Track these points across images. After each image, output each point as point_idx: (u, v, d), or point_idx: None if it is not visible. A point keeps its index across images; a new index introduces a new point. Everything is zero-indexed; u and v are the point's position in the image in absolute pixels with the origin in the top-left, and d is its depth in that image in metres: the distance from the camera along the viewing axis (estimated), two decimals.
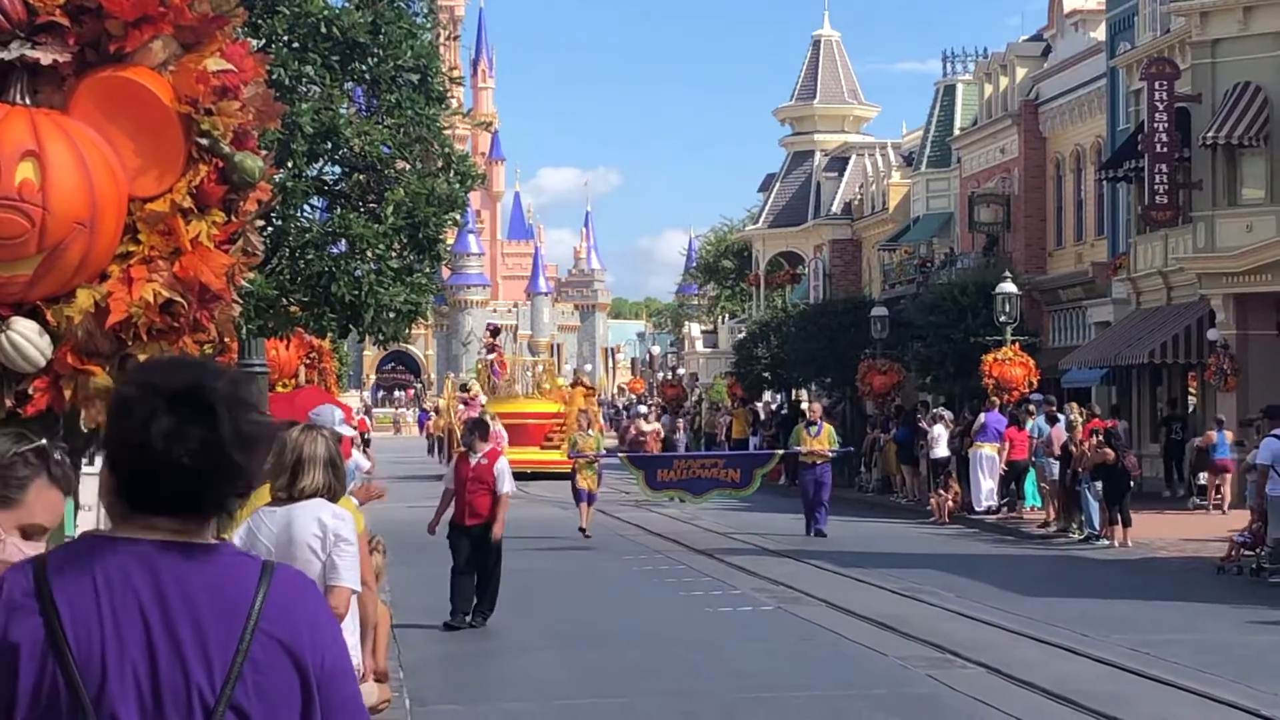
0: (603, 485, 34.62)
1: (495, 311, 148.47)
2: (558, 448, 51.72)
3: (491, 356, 61.70)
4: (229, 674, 3.27)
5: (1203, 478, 36.69)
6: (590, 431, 34.92)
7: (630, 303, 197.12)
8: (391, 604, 16.17)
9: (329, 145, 16.23)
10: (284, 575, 3.40)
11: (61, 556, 3.36)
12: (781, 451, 36.86)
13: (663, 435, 52.67)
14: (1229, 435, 35.41)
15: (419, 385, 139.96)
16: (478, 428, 21.09)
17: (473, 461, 19.93)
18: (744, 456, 38.90)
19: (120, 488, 3.38)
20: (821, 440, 33.57)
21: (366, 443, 31.68)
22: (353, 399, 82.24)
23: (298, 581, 3.44)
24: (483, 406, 51.82)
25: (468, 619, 19.81)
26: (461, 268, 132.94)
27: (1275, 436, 24.85)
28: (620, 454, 38.95)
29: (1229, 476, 35.31)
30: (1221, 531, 28.97)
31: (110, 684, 3.25)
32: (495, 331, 65.12)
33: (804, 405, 65.06)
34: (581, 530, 31.52)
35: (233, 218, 6.06)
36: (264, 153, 6.16)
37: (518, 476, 45.75)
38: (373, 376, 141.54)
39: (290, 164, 15.68)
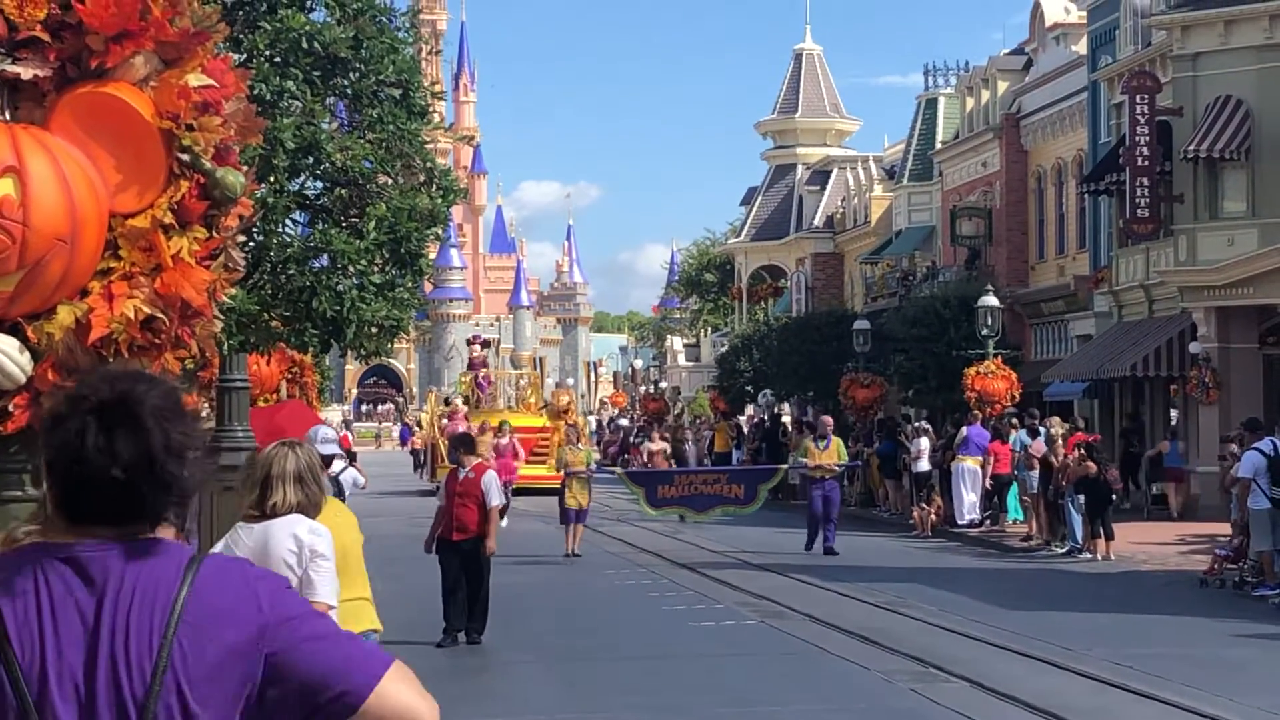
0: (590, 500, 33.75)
1: (477, 325, 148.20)
2: (543, 462, 51.58)
3: (483, 372, 60.96)
4: (155, 669, 3.26)
5: (1156, 487, 38.50)
6: (580, 445, 34.22)
7: (612, 316, 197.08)
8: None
9: (310, 160, 16.19)
10: (211, 563, 3.39)
11: (6, 564, 3.37)
12: (787, 466, 35.88)
13: (670, 453, 51.48)
14: (1181, 445, 38.02)
15: (401, 399, 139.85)
16: (463, 443, 20.95)
17: (460, 475, 19.82)
18: (748, 471, 37.72)
19: (58, 500, 3.39)
20: (830, 454, 32.81)
21: (353, 457, 31.56)
22: (334, 413, 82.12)
23: (226, 566, 3.41)
24: (467, 420, 51.63)
25: (461, 637, 19.75)
26: (444, 282, 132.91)
27: (1256, 450, 24.89)
28: (618, 470, 38.12)
29: (1177, 485, 37.79)
30: (1170, 537, 30.76)
31: (50, 688, 3.27)
32: (485, 344, 64.34)
33: (785, 419, 65.21)
34: (568, 555, 30.86)
35: (214, 233, 6.03)
36: (245, 168, 6.14)
37: None
38: (354, 391, 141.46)
39: (272, 179, 15.64)
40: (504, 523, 37.03)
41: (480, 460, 20.64)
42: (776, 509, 32.02)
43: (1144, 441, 41.28)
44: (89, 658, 3.28)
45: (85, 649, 3.29)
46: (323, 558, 8.20)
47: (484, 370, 60.35)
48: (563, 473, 32.24)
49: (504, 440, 41.00)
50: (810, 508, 32.55)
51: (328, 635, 3.38)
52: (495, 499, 19.69)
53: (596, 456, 47.04)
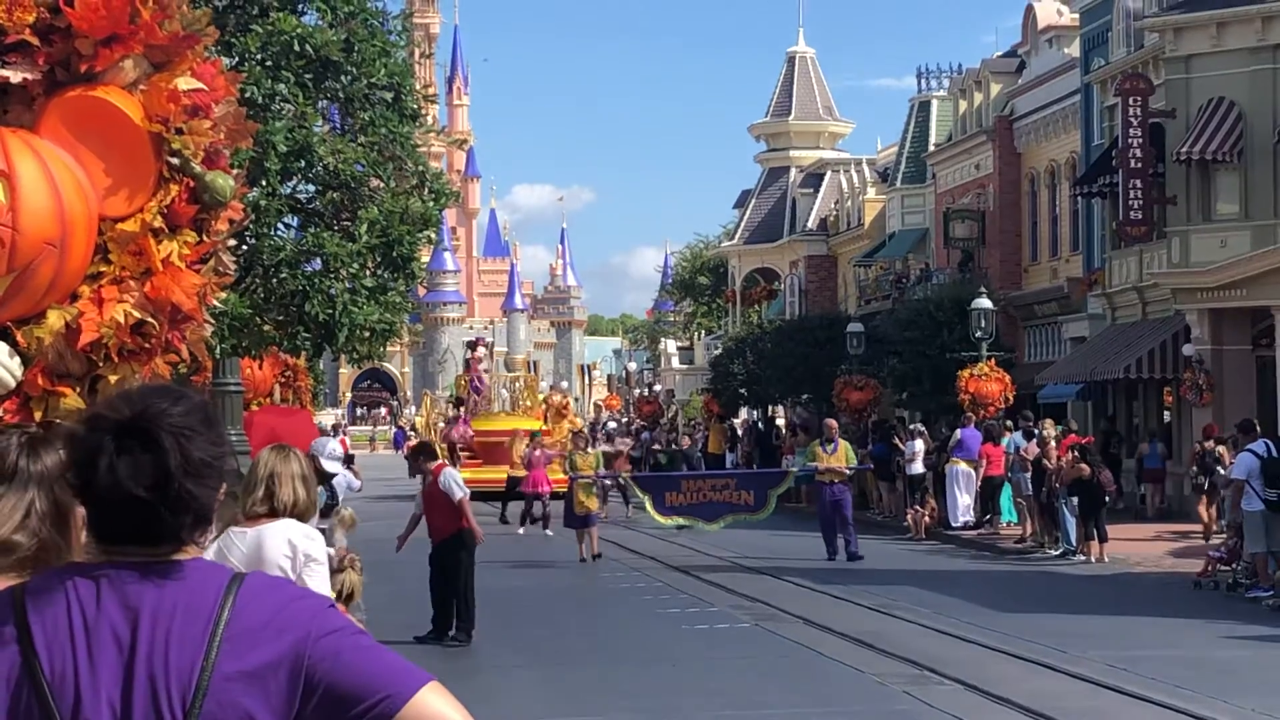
0: (599, 504, 33.28)
1: (471, 329, 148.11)
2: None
3: (481, 371, 60.14)
4: (197, 688, 3.25)
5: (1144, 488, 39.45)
6: (589, 451, 33.90)
7: (606, 319, 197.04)
8: (368, 623, 16.10)
9: (302, 164, 16.20)
10: (253, 582, 3.38)
11: (38, 585, 3.37)
12: (796, 470, 34.83)
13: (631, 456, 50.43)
14: (1160, 446, 39.32)
15: (395, 403, 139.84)
16: (422, 451, 21.31)
17: (426, 483, 20.23)
18: (757, 476, 36.57)
19: (88, 520, 3.39)
20: (839, 457, 32.15)
21: (349, 460, 31.50)
22: (327, 418, 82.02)
23: (267, 585, 3.41)
24: (467, 425, 51.52)
25: (450, 636, 20.11)
26: (437, 285, 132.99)
27: (1250, 451, 24.90)
28: (624, 475, 37.37)
29: (1155, 486, 39.01)
30: (1149, 534, 31.74)
31: (84, 709, 3.25)
32: (481, 345, 63.62)
33: (779, 421, 65.19)
34: (583, 560, 30.65)
35: (204, 237, 6.01)
36: (236, 171, 6.12)
37: (498, 496, 45.40)
38: (348, 394, 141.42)
39: (264, 182, 15.63)
40: (549, 532, 36.94)
41: (438, 462, 20.84)
42: (784, 514, 31.65)
43: (1124, 444, 41.34)
44: (126, 677, 3.27)
45: (121, 668, 3.27)
46: (316, 561, 8.21)
47: (480, 371, 59.87)
48: (572, 480, 31.96)
49: (536, 452, 40.09)
50: (820, 514, 32.10)
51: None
52: (458, 492, 19.88)
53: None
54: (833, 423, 34.45)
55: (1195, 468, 33.37)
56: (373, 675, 3.31)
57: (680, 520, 32.29)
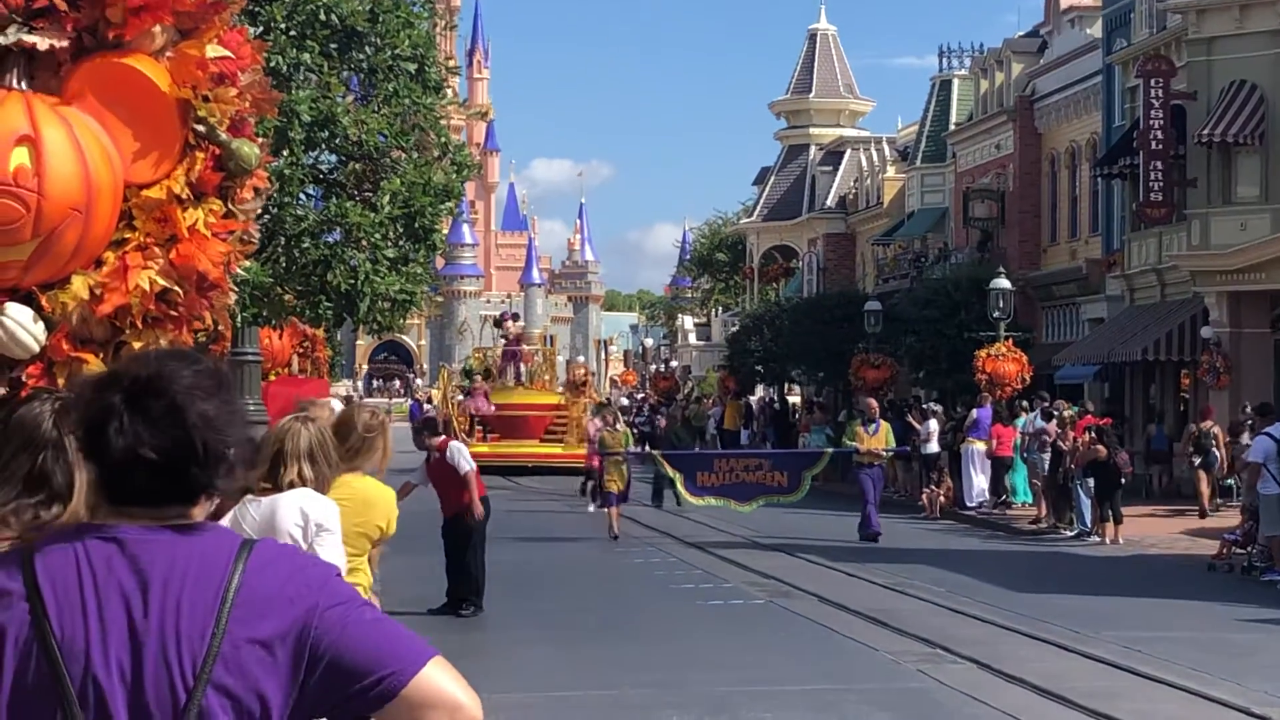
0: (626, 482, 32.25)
1: (489, 303, 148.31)
2: (560, 441, 51.36)
3: (521, 348, 58.86)
4: (208, 653, 3.26)
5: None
6: (618, 428, 33.28)
7: (623, 295, 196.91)
8: (382, 593, 16.15)
9: (326, 134, 16.21)
10: (263, 549, 3.38)
11: (48, 544, 3.37)
12: (832, 450, 34.08)
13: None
14: (1166, 428, 39.89)
15: (411, 375, 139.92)
16: (426, 426, 21.24)
17: (431, 459, 20.17)
18: (791, 456, 35.38)
19: (98, 481, 3.39)
20: (879, 439, 31.50)
21: None
22: (341, 389, 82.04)
23: (277, 552, 3.41)
24: (487, 398, 51.38)
25: (461, 608, 20.18)
26: (455, 258, 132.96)
27: (1267, 434, 24.86)
28: (656, 453, 35.98)
29: (1164, 467, 39.32)
30: (1145, 512, 32.52)
31: (94, 670, 3.26)
32: (511, 318, 62.53)
33: (794, 400, 65.15)
34: (614, 536, 30.19)
35: (229, 205, 6.03)
36: (260, 139, 6.14)
37: (518, 470, 45.37)
38: (365, 366, 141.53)
39: (287, 152, 15.64)
40: (591, 508, 36.09)
41: (442, 437, 20.77)
42: (811, 493, 31.05)
43: (1126, 425, 41.28)
44: (135, 640, 3.27)
45: (130, 631, 3.28)
46: (328, 531, 8.22)
47: (518, 347, 58.67)
48: (599, 455, 31.59)
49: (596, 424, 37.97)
50: (862, 493, 31.30)
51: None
52: (465, 465, 19.88)
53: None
54: (874, 403, 33.54)
55: (1191, 448, 34.04)
56: (378, 650, 3.31)
57: (712, 501, 31.37)
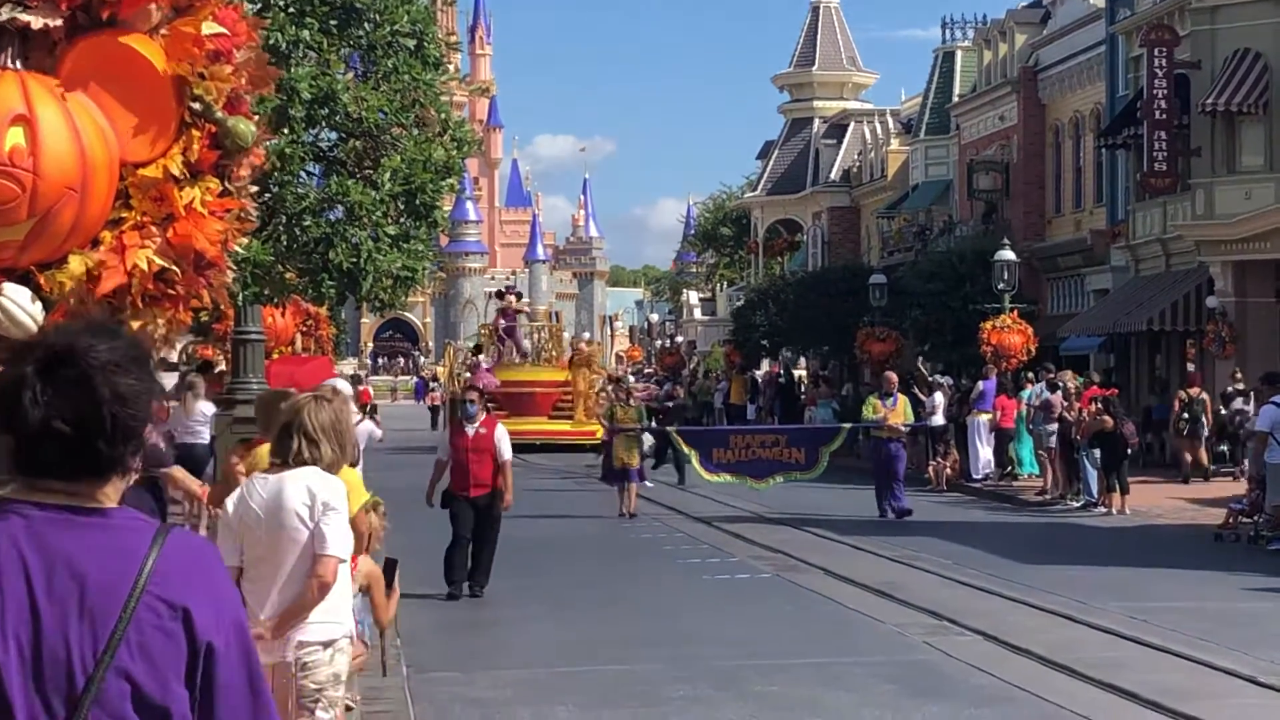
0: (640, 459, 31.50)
1: (493, 279, 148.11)
2: (568, 417, 51.22)
3: (519, 322, 58.21)
4: (111, 637, 3.23)
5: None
6: (631, 403, 32.27)
7: (628, 270, 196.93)
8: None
9: (326, 111, 16.19)
10: (179, 539, 3.36)
11: None
12: (849, 425, 33.43)
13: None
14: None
15: (416, 353, 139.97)
16: (477, 395, 20.87)
17: (470, 431, 19.69)
18: (809, 432, 34.79)
19: (11, 453, 3.37)
20: (898, 413, 30.64)
21: (371, 410, 31.38)
22: (348, 367, 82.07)
23: (195, 546, 3.40)
24: (490, 374, 51.23)
25: (466, 588, 19.81)
26: (459, 235, 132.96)
27: (1274, 404, 24.85)
28: (671, 429, 35.29)
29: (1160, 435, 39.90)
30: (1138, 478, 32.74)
31: None
32: (513, 292, 62.00)
33: (799, 372, 65.14)
34: (624, 514, 29.63)
35: (226, 184, 6.02)
36: (256, 117, 6.12)
37: (526, 448, 45.38)
38: (370, 344, 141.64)
39: (288, 130, 15.62)
40: (648, 484, 34.79)
41: (490, 414, 20.35)
42: (826, 468, 30.63)
43: (1134, 395, 41.44)
44: (35, 618, 3.24)
45: (32, 608, 3.24)
46: (335, 511, 8.21)
47: (516, 322, 58.17)
48: (607, 430, 30.95)
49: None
50: (875, 470, 30.97)
51: (238, 685, 3.37)
52: (507, 453, 19.62)
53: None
54: (893, 376, 32.90)
55: (1184, 415, 34.68)
56: (234, 714, 3.34)
57: (728, 478, 30.86)
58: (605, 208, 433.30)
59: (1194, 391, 35.65)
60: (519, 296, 63.03)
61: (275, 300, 19.76)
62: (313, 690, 8.19)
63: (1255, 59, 37.85)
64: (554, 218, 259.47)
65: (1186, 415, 34.55)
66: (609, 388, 42.59)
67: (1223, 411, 35.77)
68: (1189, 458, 34.95)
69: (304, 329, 30.23)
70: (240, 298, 16.32)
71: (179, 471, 16.69)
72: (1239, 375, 32.75)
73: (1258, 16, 38.07)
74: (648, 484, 34.49)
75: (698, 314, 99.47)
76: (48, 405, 3.29)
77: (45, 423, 3.29)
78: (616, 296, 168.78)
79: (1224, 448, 36.45)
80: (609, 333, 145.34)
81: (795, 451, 30.68)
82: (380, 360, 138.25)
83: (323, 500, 8.15)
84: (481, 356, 54.33)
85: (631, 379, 62.47)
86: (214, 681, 3.31)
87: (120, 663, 3.23)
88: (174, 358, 32.01)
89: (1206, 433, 35.73)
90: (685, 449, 31.50)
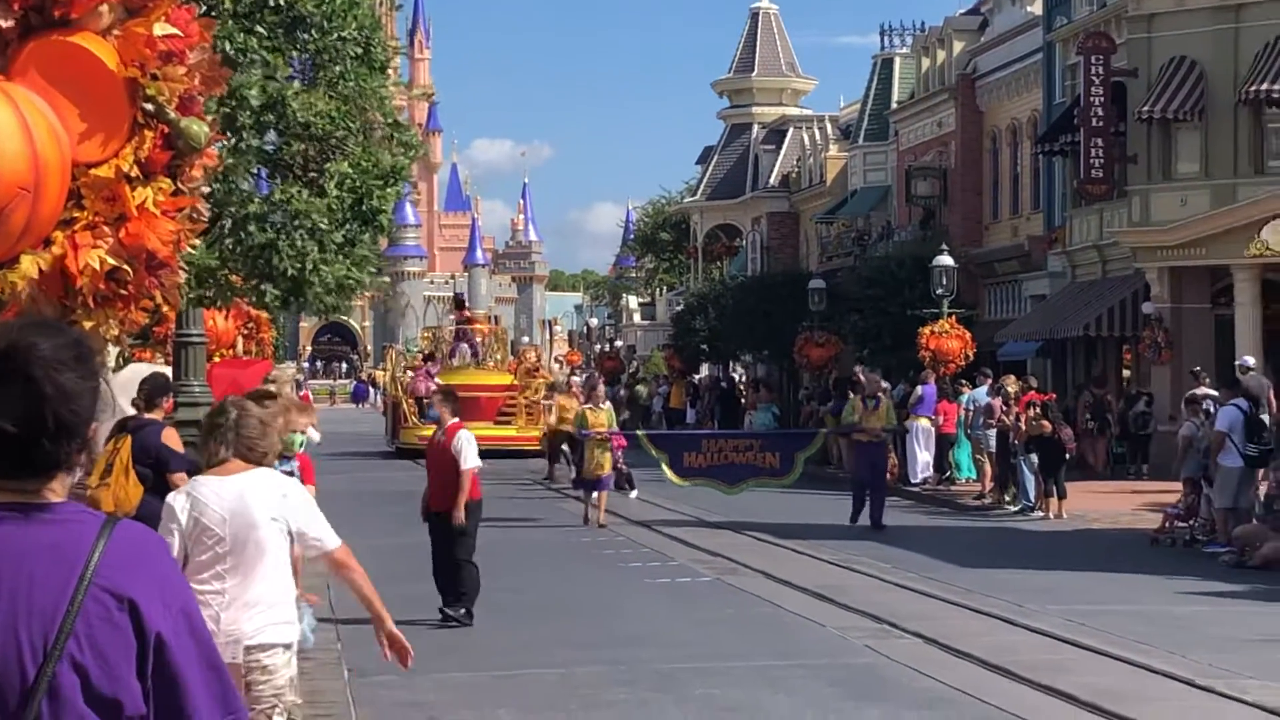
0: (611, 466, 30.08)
1: (433, 283, 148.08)
2: (510, 423, 51.01)
3: (474, 328, 57.68)
4: (60, 631, 3.24)
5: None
6: (601, 406, 30.62)
7: (567, 275, 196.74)
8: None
9: (273, 117, 16.16)
10: (125, 531, 3.37)
11: None
12: (826, 430, 32.83)
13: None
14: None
15: (355, 357, 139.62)
16: (446, 398, 18.87)
17: (437, 438, 18.22)
18: (783, 437, 33.76)
19: None
20: (880, 416, 29.56)
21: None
22: (289, 371, 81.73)
23: (141, 538, 3.41)
24: (430, 377, 50.99)
25: (455, 614, 17.95)
26: (399, 239, 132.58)
27: (1234, 406, 25.04)
28: (640, 433, 34.12)
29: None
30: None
31: None
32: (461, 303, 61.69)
33: (736, 375, 65.19)
34: (588, 522, 28.61)
35: (178, 184, 6.03)
36: (209, 118, 6.13)
37: None
38: (309, 348, 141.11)
39: (232, 135, 15.59)
40: (634, 493, 33.47)
41: (456, 420, 18.23)
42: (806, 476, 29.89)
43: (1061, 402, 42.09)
44: None
45: None
46: (307, 504, 8.29)
47: (470, 326, 57.64)
48: (583, 437, 29.41)
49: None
50: (855, 475, 30.03)
51: (206, 667, 3.39)
52: (467, 461, 17.63)
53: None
54: (876, 378, 32.21)
55: (1089, 414, 35.39)
56: (187, 688, 3.35)
57: (700, 483, 30.01)
58: (544, 212, 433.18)
59: (1099, 392, 37.43)
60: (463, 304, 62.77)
61: (218, 304, 19.67)
62: (271, 696, 8.18)
63: (1191, 67, 38.12)
64: (493, 222, 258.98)
65: (1090, 415, 34.94)
66: (551, 397, 42.39)
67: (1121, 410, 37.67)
68: (1092, 457, 35.89)
69: (245, 332, 30.10)
70: (184, 300, 16.27)
71: (181, 479, 16.58)
72: (1205, 378, 32.32)
73: (1194, 25, 38.34)
74: (633, 494, 33.58)
75: (637, 318, 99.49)
76: None
77: None
78: (556, 301, 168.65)
79: (1122, 449, 38.48)
80: (548, 337, 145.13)
81: (770, 456, 29.97)
82: (318, 364, 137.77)
83: (293, 501, 8.21)
84: (429, 364, 54.08)
85: (577, 380, 62.12)
86: (167, 670, 3.32)
87: (69, 655, 3.24)
88: (111, 361, 31.81)
89: (1115, 431, 37.67)
90: (654, 452, 30.44)
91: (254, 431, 8.18)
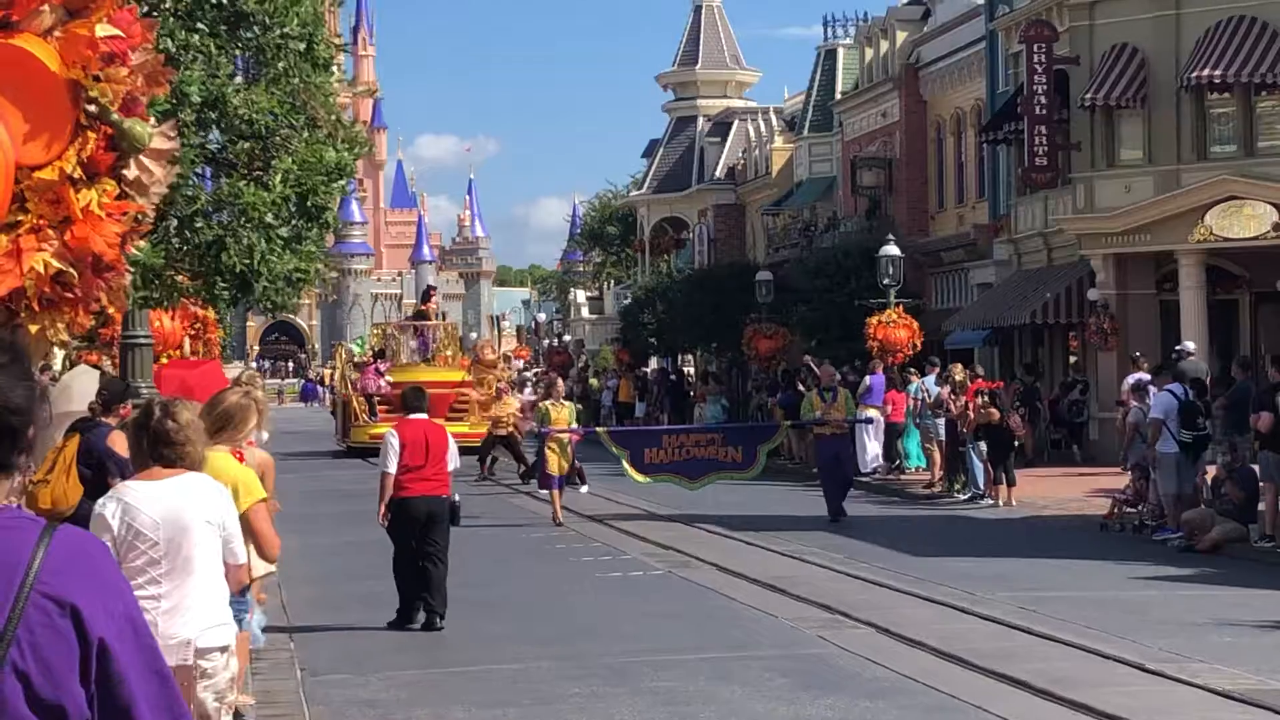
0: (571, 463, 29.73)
1: (380, 280, 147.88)
2: (462, 419, 50.78)
3: (430, 324, 57.08)
4: (2, 637, 3.23)
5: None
6: (564, 402, 30.12)
7: (515, 270, 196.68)
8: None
9: (215, 114, 16.14)
10: (66, 535, 3.36)
11: None
12: (789, 423, 32.73)
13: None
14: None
15: (303, 356, 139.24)
16: (414, 398, 18.23)
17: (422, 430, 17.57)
18: (745, 430, 33.38)
19: None
20: (839, 408, 29.51)
21: None
22: (234, 370, 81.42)
23: (81, 543, 3.39)
24: (379, 375, 50.79)
25: (427, 619, 17.44)
26: (346, 236, 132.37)
27: (1169, 392, 25.17)
28: (600, 429, 34.00)
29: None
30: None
31: None
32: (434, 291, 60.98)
33: (687, 369, 65.25)
34: (557, 522, 28.09)
35: (122, 186, 5.99)
36: (152, 119, 6.10)
37: None
38: (256, 347, 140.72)
39: (176, 133, 15.57)
40: (584, 488, 33.03)
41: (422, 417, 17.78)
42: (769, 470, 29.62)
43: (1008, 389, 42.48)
44: None
45: None
46: (233, 517, 8.27)
47: (426, 323, 57.08)
48: (545, 434, 28.66)
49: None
50: (821, 470, 29.99)
51: (149, 672, 3.38)
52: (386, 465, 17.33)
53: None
54: (831, 370, 32.21)
55: (1018, 401, 35.33)
56: (134, 693, 3.33)
57: (663, 478, 29.76)
58: (490, 207, 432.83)
59: (1029, 380, 38.64)
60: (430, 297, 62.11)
61: (165, 304, 19.60)
62: (213, 702, 8.16)
63: (1133, 54, 38.29)
64: (439, 218, 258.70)
65: (1019, 402, 35.23)
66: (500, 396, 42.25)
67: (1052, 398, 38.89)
68: (1030, 442, 36.09)
69: (192, 333, 30.01)
70: (131, 301, 16.20)
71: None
72: (1144, 363, 32.35)
73: (1135, 12, 38.51)
74: (584, 489, 33.30)
75: (585, 313, 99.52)
76: None
77: None
78: (503, 296, 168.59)
79: (1058, 435, 39.52)
80: (496, 332, 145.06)
81: (732, 450, 29.71)
82: (266, 363, 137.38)
83: (227, 505, 8.21)
84: (379, 361, 53.75)
85: (530, 375, 61.94)
86: (111, 676, 3.31)
87: (11, 662, 3.22)
88: (56, 365, 31.67)
89: (1046, 417, 38.77)
90: (615, 449, 30.19)
91: (181, 436, 8.13)
